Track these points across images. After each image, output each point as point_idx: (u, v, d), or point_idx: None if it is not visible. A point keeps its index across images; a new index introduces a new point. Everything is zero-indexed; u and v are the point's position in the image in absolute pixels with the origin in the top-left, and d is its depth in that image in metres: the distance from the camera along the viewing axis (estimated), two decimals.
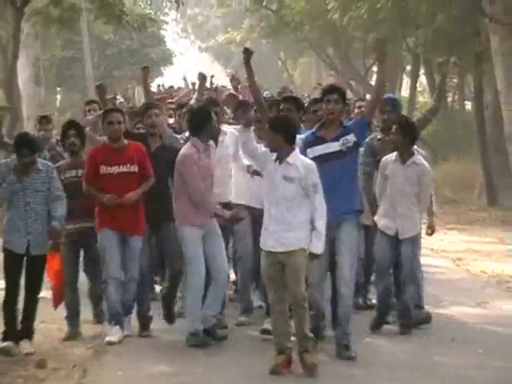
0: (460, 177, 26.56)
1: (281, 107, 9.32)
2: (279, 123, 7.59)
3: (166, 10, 44.98)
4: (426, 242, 9.35)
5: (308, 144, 8.05)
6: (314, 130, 8.27)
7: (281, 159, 7.46)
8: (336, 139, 7.97)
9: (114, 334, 8.52)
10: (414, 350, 8.76)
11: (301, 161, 7.50)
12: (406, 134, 8.90)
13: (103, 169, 8.45)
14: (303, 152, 7.93)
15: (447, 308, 11.15)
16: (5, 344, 8.02)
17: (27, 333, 8.25)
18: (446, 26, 21.75)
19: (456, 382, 7.94)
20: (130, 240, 8.66)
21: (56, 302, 9.21)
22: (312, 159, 7.77)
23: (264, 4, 32.50)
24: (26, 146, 7.97)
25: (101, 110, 10.21)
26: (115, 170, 8.43)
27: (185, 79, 23.92)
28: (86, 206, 8.78)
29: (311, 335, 7.49)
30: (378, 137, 9.65)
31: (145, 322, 9.12)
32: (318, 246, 7.41)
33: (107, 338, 8.49)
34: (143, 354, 8.41)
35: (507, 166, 22.29)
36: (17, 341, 8.14)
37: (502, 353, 9.02)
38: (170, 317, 9.20)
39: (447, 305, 11.29)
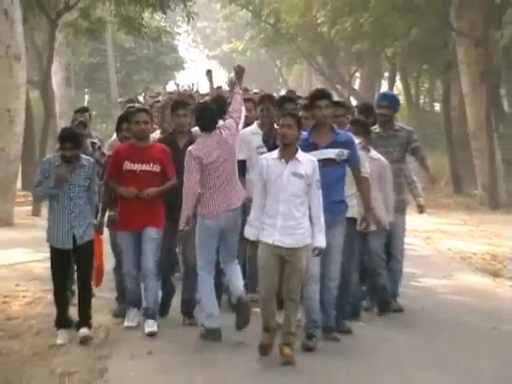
0: (430, 169, 26.51)
1: (286, 106, 8.81)
2: (298, 120, 7.10)
3: (179, 23, 44.72)
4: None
5: (302, 148, 7.25)
6: (306, 135, 7.56)
7: (288, 156, 6.94)
8: (330, 146, 7.42)
9: (132, 318, 8.07)
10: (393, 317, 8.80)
11: (307, 157, 7.04)
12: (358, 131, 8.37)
13: (127, 165, 7.86)
14: None
15: (418, 279, 11.19)
16: (59, 339, 7.48)
17: (85, 321, 7.65)
18: (419, 38, 21.71)
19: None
20: (145, 231, 7.92)
21: (97, 281, 8.78)
22: None
23: (263, 18, 32.35)
24: (69, 139, 7.47)
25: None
26: (138, 167, 7.83)
27: (193, 84, 23.91)
28: None
29: (295, 331, 7.07)
30: (376, 130, 9.12)
31: (188, 311, 8.37)
32: (323, 240, 7.00)
33: (126, 323, 8.08)
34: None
35: (470, 160, 22.31)
36: (70, 327, 7.68)
37: (462, 315, 9.18)
38: (188, 312, 8.41)
39: (419, 277, 11.34)
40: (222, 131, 7.86)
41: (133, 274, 8.07)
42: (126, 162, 7.82)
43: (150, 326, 7.93)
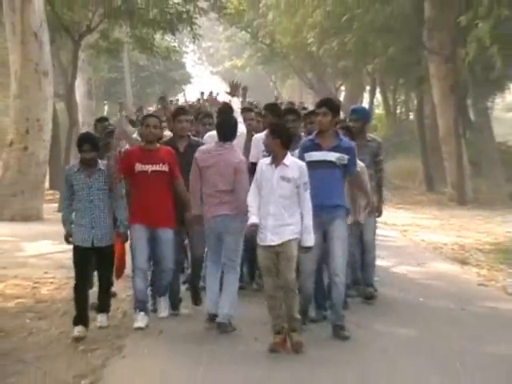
0: (406, 170, 26.57)
1: (287, 117, 8.43)
2: (278, 129, 6.94)
3: (186, 43, 44.68)
4: (380, 217, 9.20)
5: (305, 149, 7.30)
6: (311, 137, 7.47)
7: (277, 162, 6.78)
8: (333, 149, 7.17)
9: (140, 319, 7.50)
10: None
11: (294, 162, 6.86)
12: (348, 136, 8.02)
13: (138, 166, 7.53)
14: (301, 155, 7.30)
15: (396, 267, 11.18)
16: (76, 332, 7.16)
17: (103, 307, 7.52)
18: (396, 56, 21.68)
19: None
20: (160, 233, 7.60)
21: (118, 274, 8.36)
22: (308, 163, 7.07)
23: (259, 39, 32.35)
24: (87, 142, 7.27)
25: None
26: (149, 168, 7.52)
27: (202, 93, 23.80)
28: None
29: (299, 317, 6.90)
30: None
31: (175, 302, 8.14)
32: (310, 240, 6.78)
33: (135, 325, 7.51)
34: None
35: (441, 162, 22.31)
36: (87, 325, 7.31)
37: (435, 298, 9.20)
38: (196, 300, 8.27)
39: (396, 265, 11.33)
40: (232, 150, 7.59)
41: (143, 269, 7.60)
42: (137, 164, 7.55)
43: (162, 309, 7.87)
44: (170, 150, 7.75)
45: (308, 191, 6.80)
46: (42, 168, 16.85)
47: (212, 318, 7.42)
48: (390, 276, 10.36)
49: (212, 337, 7.17)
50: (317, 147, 7.20)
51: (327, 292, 7.65)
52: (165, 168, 7.55)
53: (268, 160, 6.88)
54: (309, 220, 6.76)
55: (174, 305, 8.12)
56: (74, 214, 7.45)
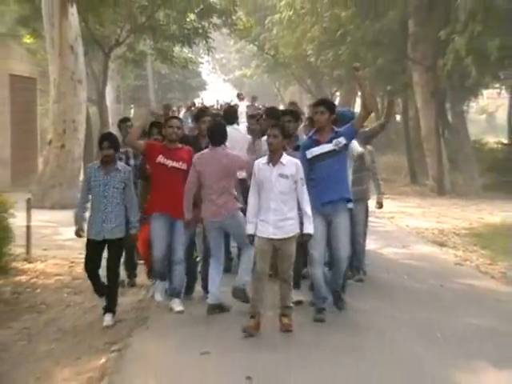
0: (393, 165, 26.45)
1: (283, 118, 7.90)
2: (283, 131, 6.74)
3: (202, 55, 44.54)
4: (370, 206, 9.13)
5: (306, 147, 7.01)
6: (310, 135, 7.20)
7: (275, 160, 6.54)
8: (329, 141, 6.86)
9: (161, 290, 7.41)
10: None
11: (290, 160, 6.62)
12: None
13: (160, 158, 7.21)
14: (302, 154, 7.00)
15: (383, 249, 11.16)
16: (106, 322, 6.92)
17: (110, 306, 7.07)
18: (384, 66, 21.57)
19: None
20: (178, 224, 7.28)
21: (144, 252, 7.99)
22: (310, 159, 6.91)
23: (265, 51, 32.29)
24: (106, 140, 7.01)
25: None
26: (169, 163, 7.20)
27: (217, 101, 23.79)
28: None
29: (291, 305, 6.69)
30: None
31: (190, 286, 7.84)
32: (311, 228, 6.53)
33: (156, 297, 7.41)
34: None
35: (423, 158, 22.24)
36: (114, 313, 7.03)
37: (418, 277, 9.18)
38: (206, 287, 7.72)
39: (384, 247, 11.32)
40: (228, 151, 7.32)
41: (161, 258, 7.27)
42: (160, 156, 7.25)
43: (177, 305, 7.37)
44: (190, 150, 7.47)
45: (305, 186, 6.61)
46: (77, 163, 16.86)
47: (212, 308, 7.15)
48: (379, 257, 10.34)
49: (219, 317, 7.12)
50: (315, 143, 6.95)
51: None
52: (184, 166, 7.26)
53: (264, 160, 6.66)
54: (308, 210, 6.58)
55: (189, 288, 7.81)
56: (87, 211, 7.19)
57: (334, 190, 6.86)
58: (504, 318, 7.28)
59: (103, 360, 5.98)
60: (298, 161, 6.68)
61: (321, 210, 6.82)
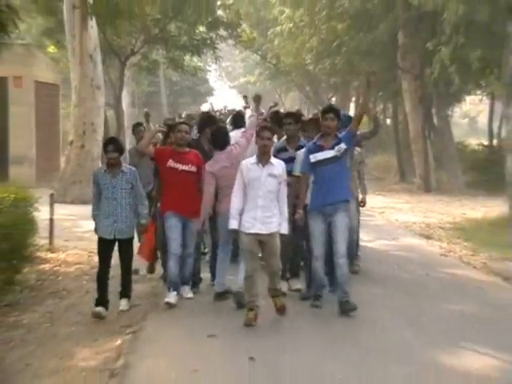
0: (383, 164, 26.50)
1: (284, 121, 7.85)
2: (273, 133, 6.68)
3: (209, 63, 44.38)
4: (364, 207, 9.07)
5: (310, 151, 6.81)
6: (315, 140, 6.93)
7: (265, 161, 6.37)
8: (332, 148, 6.69)
9: (171, 297, 6.94)
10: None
11: (277, 162, 6.51)
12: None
13: (171, 162, 7.07)
14: (306, 157, 6.85)
15: (375, 242, 11.15)
16: (97, 309, 6.73)
17: (125, 292, 7.03)
18: (377, 73, 21.53)
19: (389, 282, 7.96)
20: (190, 223, 7.13)
21: (149, 257, 7.97)
22: (314, 163, 6.75)
23: (267, 60, 32.23)
24: (111, 143, 6.83)
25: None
26: (179, 166, 7.05)
27: (224, 107, 23.65)
28: None
29: (280, 287, 6.63)
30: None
31: (196, 281, 7.66)
32: (286, 228, 6.40)
33: (166, 299, 6.99)
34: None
35: (411, 158, 22.23)
36: (106, 306, 6.82)
37: (406, 267, 9.17)
38: (214, 275, 7.60)
39: (375, 240, 11.30)
40: (233, 148, 7.26)
41: (176, 254, 7.04)
42: (170, 160, 7.11)
43: (187, 292, 7.32)
44: (197, 153, 7.33)
45: (286, 187, 6.51)
46: (95, 162, 16.84)
47: (220, 296, 7.10)
48: (370, 249, 10.32)
49: (225, 304, 7.09)
50: (319, 148, 6.78)
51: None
52: (193, 169, 7.13)
53: (253, 160, 6.47)
54: (285, 210, 6.45)
55: (195, 283, 7.65)
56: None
57: (335, 193, 6.71)
58: (485, 304, 7.28)
59: (119, 341, 5.98)
60: (283, 163, 6.58)
61: (322, 211, 6.72)
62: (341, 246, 6.66)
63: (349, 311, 6.55)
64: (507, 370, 5.33)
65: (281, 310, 6.50)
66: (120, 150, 6.87)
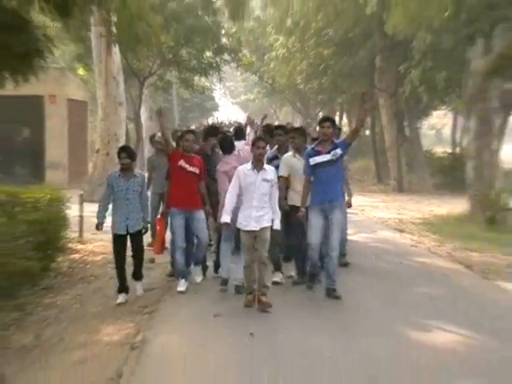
0: (363, 168, 26.40)
1: (275, 132, 7.83)
2: (267, 143, 6.58)
3: (215, 83, 44.27)
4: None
5: (309, 155, 6.68)
6: (313, 146, 6.81)
7: (259, 167, 6.27)
8: (328, 152, 6.58)
9: (182, 285, 6.91)
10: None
11: (270, 168, 6.41)
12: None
13: (182, 162, 7.00)
14: (306, 160, 6.74)
15: (355, 235, 11.10)
16: (119, 299, 6.65)
17: (138, 276, 6.95)
18: (356, 93, 21.53)
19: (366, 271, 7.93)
20: (196, 214, 7.02)
21: (158, 250, 7.64)
22: (313, 166, 6.65)
23: (265, 80, 32.18)
24: (124, 151, 6.77)
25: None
26: (187, 167, 6.98)
27: (227, 119, 23.57)
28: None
29: (268, 285, 6.41)
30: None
31: (203, 269, 7.62)
32: (278, 224, 6.29)
33: (178, 289, 6.89)
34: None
35: (387, 163, 22.23)
36: (127, 292, 6.77)
37: (383, 257, 9.14)
38: (217, 268, 7.51)
39: (356, 233, 11.24)
40: (241, 153, 7.31)
41: (182, 247, 6.96)
42: (182, 161, 7.04)
43: (198, 275, 7.33)
44: (200, 158, 7.26)
45: (277, 189, 6.41)
46: (118, 167, 16.80)
47: (225, 281, 6.95)
48: (353, 242, 10.26)
49: (229, 288, 6.97)
50: (317, 153, 6.66)
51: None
52: (197, 171, 7.05)
53: (248, 166, 6.36)
54: (277, 208, 6.37)
55: (203, 270, 7.62)
56: (108, 209, 6.86)
57: (331, 192, 6.61)
58: (449, 288, 7.30)
59: (138, 320, 6.00)
60: (273, 168, 6.50)
61: (320, 207, 6.62)
62: (334, 241, 6.58)
63: (334, 298, 6.52)
64: (468, 343, 5.35)
65: (264, 306, 6.19)
66: (132, 156, 6.77)
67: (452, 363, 4.90)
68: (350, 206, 8.53)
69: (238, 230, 6.48)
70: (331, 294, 6.57)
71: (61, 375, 4.93)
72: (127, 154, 6.70)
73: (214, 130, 8.41)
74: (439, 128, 53.91)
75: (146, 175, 8.65)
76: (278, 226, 6.31)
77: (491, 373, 4.74)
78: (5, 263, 6.17)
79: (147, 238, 8.07)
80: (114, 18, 12.81)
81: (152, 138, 9.43)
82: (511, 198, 12.54)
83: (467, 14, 10.53)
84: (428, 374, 4.69)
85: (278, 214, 6.35)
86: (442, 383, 4.58)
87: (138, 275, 6.98)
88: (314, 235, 6.64)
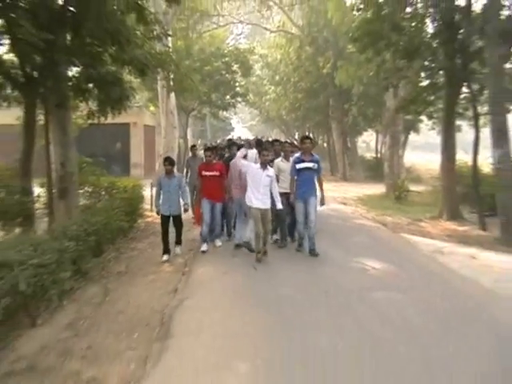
0: (323, 166, 26.05)
1: (274, 143, 7.30)
2: (268, 152, 6.14)
3: (232, 114, 43.42)
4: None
5: (296, 162, 6.18)
6: (298, 155, 6.24)
7: (264, 167, 5.87)
8: (310, 161, 6.13)
9: (204, 247, 6.39)
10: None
11: (271, 168, 6.00)
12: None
13: (204, 172, 6.45)
14: (293, 166, 6.18)
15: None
16: (164, 258, 6.09)
17: (178, 242, 6.36)
18: (318, 120, 21.44)
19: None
20: (217, 205, 6.50)
21: (198, 222, 7.26)
22: (299, 169, 6.13)
23: (262, 112, 31.86)
24: (167, 160, 6.15)
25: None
26: (208, 173, 6.43)
27: (239, 137, 23.39)
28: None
29: (266, 248, 5.91)
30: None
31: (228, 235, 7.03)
32: (280, 206, 5.89)
33: (201, 249, 6.38)
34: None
35: (337, 163, 22.10)
36: (169, 253, 6.16)
37: (332, 221, 9.05)
38: (229, 235, 6.99)
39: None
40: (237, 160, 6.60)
41: (207, 222, 6.40)
42: (204, 171, 6.44)
43: (218, 242, 6.72)
44: (221, 163, 6.73)
45: (276, 183, 5.91)
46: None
47: (237, 246, 6.44)
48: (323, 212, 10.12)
49: (239, 252, 6.49)
50: (302, 160, 6.28)
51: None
52: (217, 174, 6.51)
53: (258, 166, 5.91)
54: (278, 195, 5.89)
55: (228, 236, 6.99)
56: (160, 199, 6.31)
57: (309, 189, 6.21)
58: (373, 238, 7.25)
59: (184, 260, 6.00)
60: (272, 169, 6.09)
61: (302, 197, 6.21)
62: (311, 216, 6.15)
63: (314, 255, 6.12)
64: (382, 268, 5.35)
65: (259, 259, 5.81)
66: (172, 163, 6.13)
67: (373, 279, 4.96)
68: (322, 204, 7.69)
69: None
70: (313, 252, 6.21)
71: (141, 289, 5.00)
72: (169, 162, 6.26)
73: (233, 143, 8.21)
74: (368, 142, 53.48)
75: (185, 171, 8.41)
76: (280, 206, 5.87)
77: (397, 285, 4.77)
78: (108, 223, 6.23)
79: (188, 216, 7.60)
80: (172, 76, 12.75)
81: (192, 148, 9.33)
82: (409, 184, 12.53)
83: (383, 74, 10.68)
84: (358, 284, 4.73)
85: (279, 198, 5.88)
86: (365, 287, 4.63)
87: (178, 241, 6.37)
88: (299, 214, 6.26)
